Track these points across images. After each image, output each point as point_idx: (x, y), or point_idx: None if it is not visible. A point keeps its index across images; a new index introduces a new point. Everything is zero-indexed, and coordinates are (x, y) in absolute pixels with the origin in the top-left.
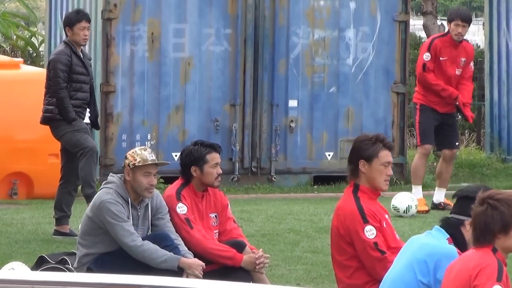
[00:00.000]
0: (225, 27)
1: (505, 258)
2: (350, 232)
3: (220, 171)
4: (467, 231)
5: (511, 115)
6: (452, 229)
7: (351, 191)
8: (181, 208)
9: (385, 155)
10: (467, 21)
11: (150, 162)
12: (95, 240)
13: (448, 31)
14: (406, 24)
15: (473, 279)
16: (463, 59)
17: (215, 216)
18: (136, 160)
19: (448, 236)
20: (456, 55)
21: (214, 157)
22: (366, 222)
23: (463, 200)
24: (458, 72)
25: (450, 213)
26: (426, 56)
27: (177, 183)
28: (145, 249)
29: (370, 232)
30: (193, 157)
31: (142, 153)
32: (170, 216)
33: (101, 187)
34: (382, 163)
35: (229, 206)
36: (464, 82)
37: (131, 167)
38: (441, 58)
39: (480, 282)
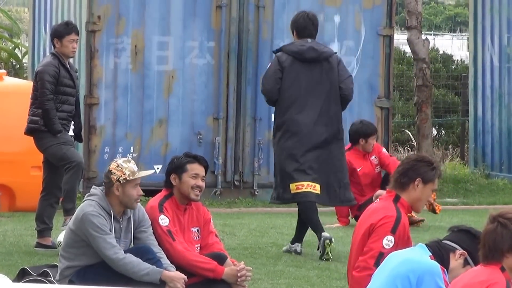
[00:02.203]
0: (209, 40)
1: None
2: (373, 232)
3: (200, 183)
4: (455, 260)
5: (495, 131)
6: (443, 251)
7: (391, 200)
8: (163, 220)
9: (437, 183)
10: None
11: (139, 175)
12: (77, 252)
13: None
14: (390, 38)
15: None
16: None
17: (197, 230)
18: (125, 174)
19: (430, 254)
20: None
21: (194, 167)
22: (393, 232)
23: (463, 233)
24: (377, 169)
25: (443, 239)
26: None
27: (160, 195)
28: (127, 262)
29: (386, 243)
30: (173, 165)
31: (129, 166)
32: (152, 227)
33: (84, 199)
34: (433, 189)
35: (212, 221)
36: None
37: (121, 182)
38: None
39: None
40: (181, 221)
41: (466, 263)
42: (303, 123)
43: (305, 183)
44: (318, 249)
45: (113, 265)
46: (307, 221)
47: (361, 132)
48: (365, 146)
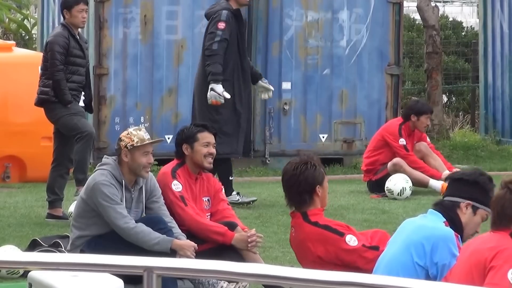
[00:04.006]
0: None
1: None
2: (336, 253)
3: (212, 151)
4: (464, 214)
5: (506, 97)
6: (449, 211)
7: (302, 221)
8: (176, 186)
9: (323, 177)
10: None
11: (147, 142)
12: (88, 222)
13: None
14: (400, 5)
15: (490, 261)
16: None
17: (208, 200)
18: (133, 140)
19: (445, 219)
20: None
21: (205, 136)
22: (342, 235)
23: (457, 183)
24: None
25: (444, 196)
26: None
27: (173, 163)
28: (138, 231)
29: (352, 240)
30: (184, 136)
31: (139, 133)
32: (164, 193)
33: (96, 168)
34: (325, 182)
35: (222, 191)
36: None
37: (129, 148)
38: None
39: (496, 264)
40: (193, 189)
41: (475, 209)
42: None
43: None
44: None
45: (124, 234)
46: None
47: (414, 109)
48: (417, 123)
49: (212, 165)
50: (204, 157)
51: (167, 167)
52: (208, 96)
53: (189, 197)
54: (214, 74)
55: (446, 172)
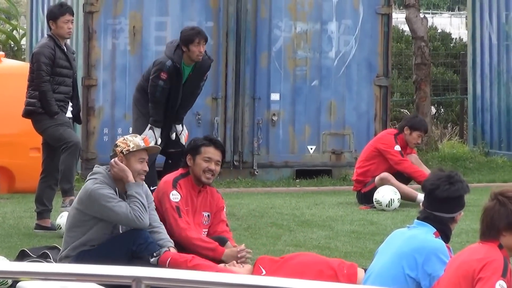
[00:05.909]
0: (207, 20)
1: (509, 256)
2: None
3: (212, 167)
4: (456, 222)
5: (494, 108)
6: (440, 224)
7: None
8: (174, 196)
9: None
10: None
11: (143, 147)
12: (84, 229)
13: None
14: (388, 17)
15: (478, 272)
16: None
17: (208, 215)
18: (129, 146)
19: (435, 230)
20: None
21: (208, 151)
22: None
23: (454, 200)
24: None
25: (434, 210)
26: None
27: (177, 172)
28: (135, 214)
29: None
30: (190, 146)
31: (135, 140)
32: (162, 201)
33: (87, 178)
34: None
35: (224, 209)
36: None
37: (124, 153)
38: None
39: (485, 275)
40: (194, 202)
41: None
42: None
43: None
44: None
45: (133, 225)
46: None
47: (410, 122)
48: (408, 137)
49: (210, 181)
50: (203, 172)
51: (170, 176)
52: (144, 132)
53: (188, 209)
54: (157, 121)
55: None
